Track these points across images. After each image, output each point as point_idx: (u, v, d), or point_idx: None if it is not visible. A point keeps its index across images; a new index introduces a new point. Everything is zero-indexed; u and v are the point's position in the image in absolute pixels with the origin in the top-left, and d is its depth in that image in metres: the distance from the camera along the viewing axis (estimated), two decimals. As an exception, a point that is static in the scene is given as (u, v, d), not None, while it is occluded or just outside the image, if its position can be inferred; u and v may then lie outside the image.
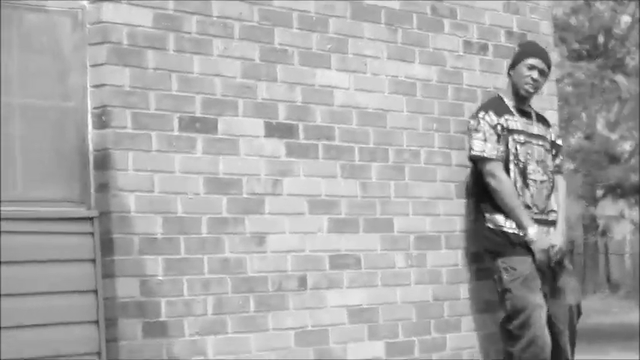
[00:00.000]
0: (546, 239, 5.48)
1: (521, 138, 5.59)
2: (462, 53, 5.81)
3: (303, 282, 4.94)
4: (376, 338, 5.18)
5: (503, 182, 5.45)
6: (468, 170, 5.69)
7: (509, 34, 6.03)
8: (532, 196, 5.55)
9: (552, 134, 5.86)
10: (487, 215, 5.51)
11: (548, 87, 6.22)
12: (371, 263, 5.21)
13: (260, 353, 4.75)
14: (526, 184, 5.54)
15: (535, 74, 5.63)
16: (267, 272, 4.82)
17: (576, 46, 28.12)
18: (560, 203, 5.80)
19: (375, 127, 5.34)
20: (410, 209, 5.43)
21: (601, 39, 25.36)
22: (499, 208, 5.47)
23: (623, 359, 14.95)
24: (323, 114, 5.14)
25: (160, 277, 4.47)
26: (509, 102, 5.67)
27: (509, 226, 5.47)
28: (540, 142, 5.70)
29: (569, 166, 36.59)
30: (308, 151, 5.04)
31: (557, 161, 5.89)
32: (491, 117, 5.52)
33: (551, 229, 5.62)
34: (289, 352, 4.85)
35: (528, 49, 5.74)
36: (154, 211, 4.49)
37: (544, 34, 6.25)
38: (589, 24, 26.23)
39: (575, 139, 34.17)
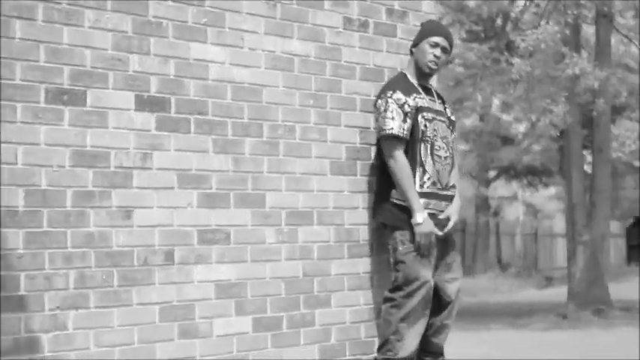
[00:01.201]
0: (431, 225, 5.54)
1: (429, 115, 5.68)
2: (341, 30, 5.79)
3: (169, 257, 4.89)
4: (244, 314, 5.16)
5: (402, 164, 5.51)
6: (343, 147, 5.70)
7: (390, 11, 6.03)
8: (438, 172, 5.66)
9: (448, 110, 5.97)
10: (394, 191, 5.58)
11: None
12: (241, 238, 5.18)
13: (123, 328, 4.70)
14: (434, 161, 5.63)
15: (438, 52, 5.74)
16: (133, 247, 4.76)
17: (473, 27, 28.46)
18: (456, 178, 5.90)
19: (250, 102, 5.31)
20: (283, 185, 5.41)
21: (499, 22, 25.68)
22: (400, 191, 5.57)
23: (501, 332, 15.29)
24: (197, 88, 5.08)
25: (21, 251, 4.39)
26: (414, 80, 5.76)
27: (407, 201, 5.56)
28: (443, 119, 5.80)
29: (463, 147, 37.14)
30: (179, 125, 4.99)
31: (453, 137, 5.97)
32: (399, 95, 5.58)
33: (450, 203, 5.75)
34: (153, 327, 4.81)
35: (432, 27, 5.83)
36: (17, 184, 4.41)
37: (426, 12, 6.25)
38: (487, 7, 26.53)
39: (470, 121, 34.63)
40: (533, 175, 38.99)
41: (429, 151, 5.61)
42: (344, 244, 5.69)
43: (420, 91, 5.72)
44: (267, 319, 5.27)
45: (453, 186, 5.78)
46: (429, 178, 5.61)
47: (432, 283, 5.59)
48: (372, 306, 5.79)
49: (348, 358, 5.68)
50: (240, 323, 5.15)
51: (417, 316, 5.53)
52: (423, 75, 5.79)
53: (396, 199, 5.57)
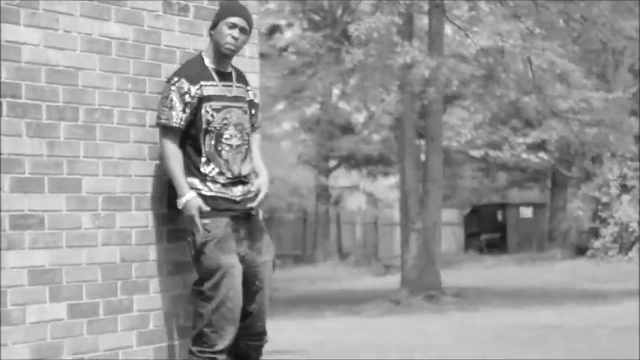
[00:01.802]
0: (193, 207, 5.43)
1: (218, 104, 5.56)
2: (161, 13, 5.73)
3: (-21, 242, 4.78)
4: (58, 300, 5.07)
5: (170, 154, 5.44)
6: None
7: (211, -4, 6.00)
8: (227, 161, 5.54)
9: (250, 93, 5.85)
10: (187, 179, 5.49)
11: (250, 49, 6.24)
12: (55, 224, 5.09)
13: None
14: (219, 152, 5.53)
15: (236, 32, 5.59)
16: (-60, 232, 4.63)
17: (312, 16, 28.68)
18: (256, 159, 5.81)
19: (66, 85, 5.20)
20: (100, 170, 5.33)
21: (339, 12, 25.94)
22: (195, 173, 5.49)
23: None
24: (9, 71, 4.95)
25: None
26: (210, 64, 5.63)
27: (204, 189, 5.48)
28: (239, 104, 5.68)
29: (303, 136, 37.38)
30: (-10, 108, 4.86)
31: (255, 120, 5.88)
32: (181, 84, 5.48)
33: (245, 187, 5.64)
34: (-39, 314, 4.69)
35: (229, 8, 5.68)
36: None
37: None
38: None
39: (310, 110, 34.89)
40: (373, 164, 39.55)
41: (214, 142, 5.52)
42: (163, 228, 5.64)
43: (214, 76, 5.59)
44: (83, 306, 5.18)
45: (249, 175, 5.68)
46: (213, 169, 5.51)
47: (239, 269, 5.50)
48: (167, 293, 5.69)
49: (167, 343, 5.64)
50: (55, 310, 5.05)
51: (229, 305, 5.44)
52: (223, 57, 5.64)
53: (190, 185, 5.48)
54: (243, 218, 5.61)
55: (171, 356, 5.65)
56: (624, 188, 30.73)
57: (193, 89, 5.49)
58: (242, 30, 5.63)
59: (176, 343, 5.68)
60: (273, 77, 20.55)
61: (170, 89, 5.46)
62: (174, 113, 5.43)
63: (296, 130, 37.02)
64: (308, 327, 14.96)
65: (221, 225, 5.47)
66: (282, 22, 30.12)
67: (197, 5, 5.94)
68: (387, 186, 43.91)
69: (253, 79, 6.20)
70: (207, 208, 5.45)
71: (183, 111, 5.45)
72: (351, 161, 38.68)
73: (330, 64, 17.48)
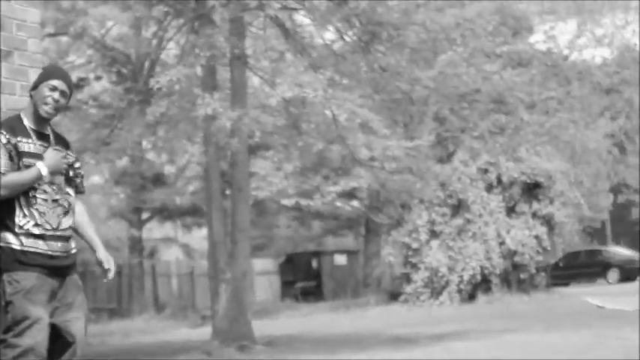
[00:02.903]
0: (55, 154, 5.65)
1: (32, 161, 5.62)
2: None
3: None
4: None
5: (3, 181, 5.48)
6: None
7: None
8: (43, 214, 5.61)
9: (70, 157, 5.93)
10: None
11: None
12: None
13: None
14: (34, 204, 5.59)
15: (56, 95, 5.72)
16: None
17: (121, 69, 28.50)
18: (87, 221, 5.99)
19: None
20: None
21: (146, 64, 25.83)
22: (9, 226, 5.52)
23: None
24: None
25: None
26: (28, 123, 5.71)
27: (15, 243, 5.53)
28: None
29: (115, 190, 36.96)
30: None
31: (78, 182, 5.98)
32: (6, 136, 5.54)
33: (66, 243, 5.72)
34: None
35: (51, 71, 5.84)
36: None
37: (33, 52, 6.19)
38: (135, 51, 26.66)
39: (122, 162, 34.54)
40: (186, 215, 39.40)
41: (29, 197, 5.58)
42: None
43: (31, 135, 5.68)
44: None
45: (68, 229, 5.76)
46: (28, 222, 5.57)
47: (46, 322, 5.53)
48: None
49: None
50: None
51: (31, 357, 5.43)
52: (41, 119, 5.76)
53: (2, 241, 5.52)
54: (58, 274, 5.66)
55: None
56: (433, 233, 31.47)
57: (13, 140, 5.56)
58: (62, 93, 5.77)
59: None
60: (74, 131, 20.31)
61: None
62: (4, 161, 5.50)
63: (106, 183, 36.62)
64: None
65: (31, 277, 5.53)
66: (90, 76, 30.00)
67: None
68: (202, 237, 43.79)
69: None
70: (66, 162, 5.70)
71: (10, 159, 5.53)
72: (164, 213, 38.45)
73: (134, 117, 17.43)
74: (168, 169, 36.98)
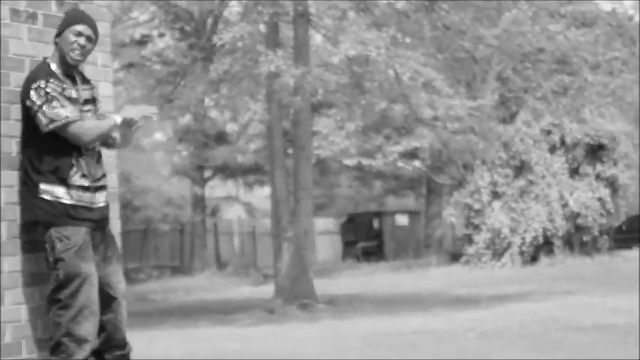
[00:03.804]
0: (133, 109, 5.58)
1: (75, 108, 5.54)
2: (8, 22, 5.66)
3: None
4: None
5: (83, 127, 5.46)
6: (13, 141, 5.58)
7: (60, 4, 5.94)
8: (87, 164, 5.56)
9: (94, 90, 5.85)
10: (42, 186, 5.44)
11: (103, 58, 6.20)
12: None
13: None
14: (78, 156, 5.53)
15: (82, 40, 5.59)
16: None
17: (184, 27, 28.55)
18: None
19: None
20: (-53, 179, 5.25)
21: (209, 21, 25.86)
22: (58, 180, 5.44)
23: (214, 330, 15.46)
24: None
25: None
26: (58, 70, 5.59)
27: (65, 197, 5.45)
28: (89, 107, 5.70)
29: (178, 147, 37.17)
30: None
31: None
32: (55, 83, 5.45)
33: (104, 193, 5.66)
34: None
35: (75, 16, 5.67)
36: None
37: (98, 5, 6.21)
38: (198, 7, 26.69)
39: (185, 120, 34.74)
40: (248, 174, 39.55)
41: (72, 146, 5.50)
42: (18, 240, 5.57)
43: (64, 80, 5.58)
44: None
45: (104, 175, 5.71)
46: (76, 173, 5.51)
47: (96, 277, 5.50)
48: (24, 305, 5.61)
49: (25, 357, 5.56)
50: None
51: (87, 314, 5.42)
52: (68, 66, 5.63)
53: (46, 194, 5.45)
54: (100, 226, 5.62)
55: (28, 369, 5.58)
56: (495, 195, 31.30)
57: (59, 87, 5.48)
58: (88, 38, 5.64)
59: (34, 355, 5.60)
60: (138, 87, 20.41)
61: (47, 92, 5.41)
62: (69, 109, 5.43)
63: (169, 140, 36.84)
64: (181, 337, 14.88)
65: (80, 232, 5.47)
66: (154, 32, 30.09)
67: (45, 13, 5.88)
68: (264, 196, 44.02)
69: (105, 88, 6.17)
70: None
71: (72, 104, 5.48)
72: (226, 171, 38.62)
73: (197, 74, 17.46)
74: (231, 127, 37.10)
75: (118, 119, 5.52)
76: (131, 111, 5.59)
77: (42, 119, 5.44)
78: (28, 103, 5.46)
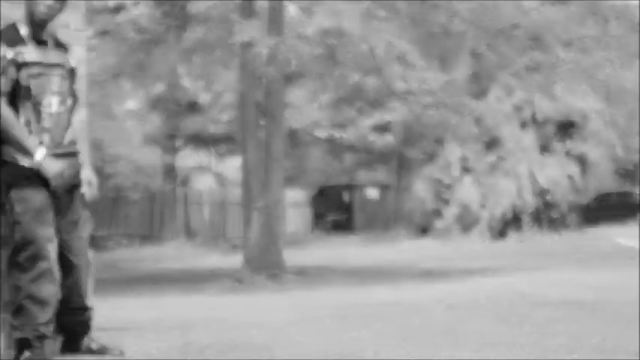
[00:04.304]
0: (57, 163, 5.43)
1: (35, 70, 5.47)
2: (-18, -19, 5.61)
3: None
4: None
5: (3, 113, 5.35)
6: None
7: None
8: (49, 130, 5.49)
9: (71, 60, 5.76)
10: (4, 149, 5.42)
11: (75, 21, 6.15)
12: None
13: None
14: (40, 119, 5.47)
15: (50, 0, 5.52)
16: None
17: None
18: (83, 138, 5.77)
19: None
20: None
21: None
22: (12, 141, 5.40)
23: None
24: None
25: None
26: (25, 31, 5.54)
27: (23, 160, 5.41)
28: (58, 72, 5.61)
29: (150, 116, 37.01)
30: None
31: (75, 87, 5.80)
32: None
33: (74, 160, 5.61)
34: None
35: None
36: None
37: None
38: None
39: (157, 88, 34.56)
40: (220, 143, 39.45)
41: (32, 110, 5.45)
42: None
43: (29, 43, 5.51)
44: None
45: (73, 142, 5.65)
46: (34, 139, 5.46)
47: (56, 241, 5.48)
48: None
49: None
50: None
51: (47, 277, 5.40)
52: (38, 25, 5.57)
53: (7, 156, 5.42)
54: (66, 189, 5.57)
55: (-7, 330, 5.56)
56: (465, 170, 31.43)
57: (11, 53, 5.40)
58: None
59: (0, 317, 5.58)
60: (111, 54, 20.22)
61: None
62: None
63: (141, 109, 36.68)
64: (148, 304, 14.86)
65: (40, 195, 5.42)
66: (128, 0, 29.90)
67: (17, -27, 5.81)
68: (235, 166, 43.90)
69: (79, 51, 6.11)
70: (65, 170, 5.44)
71: (3, 75, 5.36)
72: (197, 141, 38.52)
73: (171, 42, 17.38)
74: (204, 97, 36.95)
75: (39, 156, 5.41)
76: (54, 166, 5.45)
77: None
78: None
